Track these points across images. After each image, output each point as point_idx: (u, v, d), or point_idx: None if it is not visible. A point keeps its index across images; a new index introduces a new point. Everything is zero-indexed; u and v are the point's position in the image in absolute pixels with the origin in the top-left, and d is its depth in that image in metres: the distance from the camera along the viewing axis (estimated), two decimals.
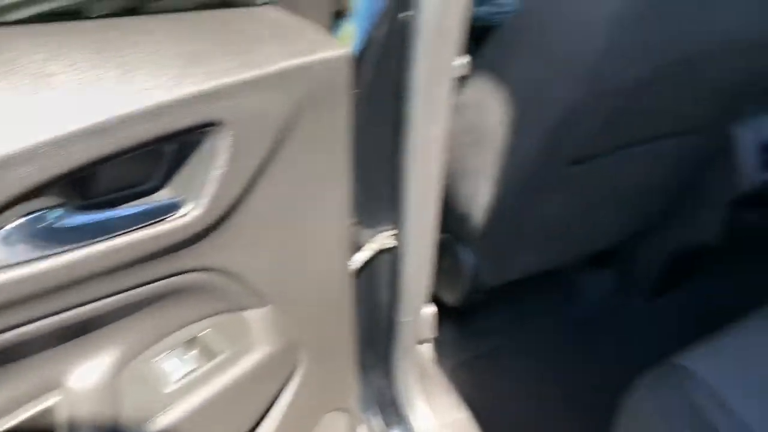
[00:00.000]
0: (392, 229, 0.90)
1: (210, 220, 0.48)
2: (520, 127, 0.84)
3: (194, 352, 0.56)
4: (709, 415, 0.70)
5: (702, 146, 1.05)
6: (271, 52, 0.48)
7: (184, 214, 0.47)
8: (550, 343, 1.36)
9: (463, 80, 0.87)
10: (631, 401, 0.78)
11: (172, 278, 0.50)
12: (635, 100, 0.79)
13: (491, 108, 0.86)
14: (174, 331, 0.55)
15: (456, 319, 1.37)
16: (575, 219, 1.10)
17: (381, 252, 0.94)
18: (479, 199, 0.96)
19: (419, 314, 0.99)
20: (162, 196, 0.47)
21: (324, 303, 0.69)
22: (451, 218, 1.04)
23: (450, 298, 1.23)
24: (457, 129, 0.93)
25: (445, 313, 1.11)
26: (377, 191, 0.84)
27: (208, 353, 0.57)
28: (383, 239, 0.93)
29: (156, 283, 0.49)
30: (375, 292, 1.01)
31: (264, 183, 0.52)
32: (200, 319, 0.56)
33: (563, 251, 1.21)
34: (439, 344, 1.29)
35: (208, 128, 0.45)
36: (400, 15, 0.68)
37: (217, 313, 0.57)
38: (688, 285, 1.49)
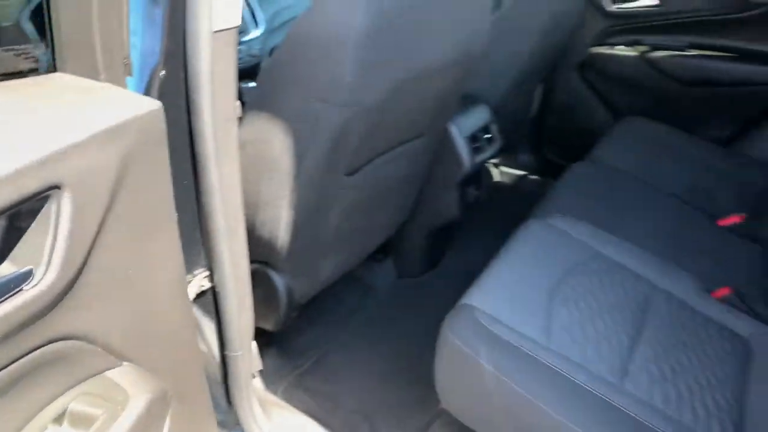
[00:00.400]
0: (206, 270, 0.94)
1: (63, 284, 0.49)
2: (301, 152, 0.98)
3: (66, 426, 0.53)
4: (493, 331, 0.94)
5: (432, 143, 1.35)
6: (91, 114, 0.51)
7: (37, 283, 0.46)
8: (361, 335, 1.54)
9: (239, 120, 0.97)
10: (441, 344, 0.98)
11: (29, 356, 0.48)
12: (385, 114, 1.00)
13: (272, 141, 0.98)
14: (38, 412, 0.51)
15: (274, 342, 1.44)
16: (358, 222, 1.29)
17: (200, 295, 0.97)
18: (281, 223, 1.06)
19: (249, 347, 1.04)
20: (5, 271, 0.46)
21: (176, 348, 0.70)
22: (259, 247, 1.12)
23: (269, 324, 1.29)
24: (246, 164, 1.02)
25: (264, 340, 1.17)
26: (185, 235, 0.88)
27: (81, 423, 0.54)
28: (200, 282, 0.96)
29: (12, 366, 0.47)
30: (201, 334, 1.02)
31: (105, 239, 0.53)
32: (64, 392, 0.53)
33: (354, 253, 1.39)
34: (267, 371, 1.34)
35: (48, 193, 0.46)
36: (167, 71, 0.74)
37: (78, 383, 0.55)
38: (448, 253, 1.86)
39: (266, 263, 1.20)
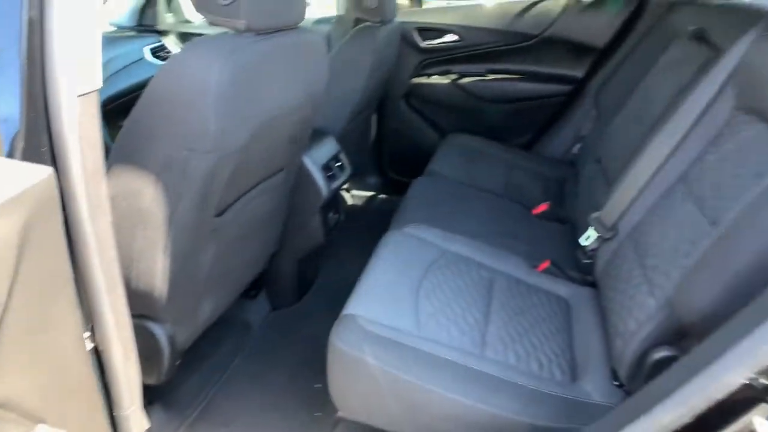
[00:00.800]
0: (86, 330, 0.94)
1: None
2: (172, 200, 1.03)
3: None
4: (374, 331, 1.07)
5: (291, 176, 1.46)
6: None
7: None
8: (245, 372, 1.57)
9: None
10: (330, 355, 1.08)
11: None
12: (247, 155, 1.09)
13: (143, 192, 1.01)
14: None
15: (157, 397, 1.41)
16: (231, 259, 1.34)
17: None
18: (158, 271, 1.09)
19: (139, 403, 1.04)
20: None
21: (82, 404, 0.71)
22: (137, 300, 1.12)
23: (152, 378, 1.27)
24: (117, 217, 1.03)
25: (146, 397, 1.15)
26: None
27: None
28: None
29: None
30: None
31: (14, 305, 0.55)
32: None
33: (231, 290, 1.43)
34: (154, 428, 1.31)
35: None
36: (28, 138, 0.76)
37: None
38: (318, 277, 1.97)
39: (144, 316, 1.20)
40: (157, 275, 1.11)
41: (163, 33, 2.47)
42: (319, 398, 1.44)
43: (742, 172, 0.97)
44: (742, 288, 0.79)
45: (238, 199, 1.22)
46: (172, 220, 1.05)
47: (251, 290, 1.76)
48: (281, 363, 1.61)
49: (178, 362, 1.31)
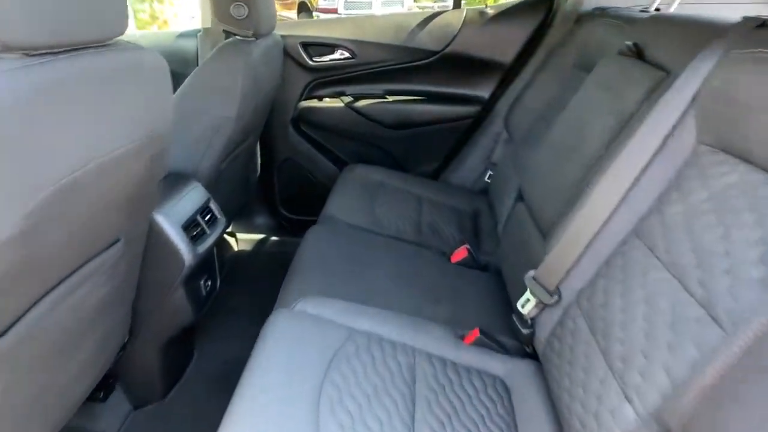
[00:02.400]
0: None
1: None
2: None
3: None
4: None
5: (134, 245, 1.07)
6: None
7: None
8: None
9: None
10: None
11: None
12: (37, 243, 0.70)
13: None
14: None
15: None
16: (47, 378, 0.92)
17: None
18: None
19: None
20: None
21: None
22: None
23: None
24: None
25: None
26: None
27: None
28: None
29: None
30: None
31: None
32: None
33: (60, 410, 1.01)
34: None
35: None
36: None
37: None
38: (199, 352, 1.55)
39: None
40: None
41: None
42: None
43: (732, 233, 0.73)
44: None
45: (37, 303, 0.81)
46: None
47: (97, 392, 1.32)
48: None
49: None
